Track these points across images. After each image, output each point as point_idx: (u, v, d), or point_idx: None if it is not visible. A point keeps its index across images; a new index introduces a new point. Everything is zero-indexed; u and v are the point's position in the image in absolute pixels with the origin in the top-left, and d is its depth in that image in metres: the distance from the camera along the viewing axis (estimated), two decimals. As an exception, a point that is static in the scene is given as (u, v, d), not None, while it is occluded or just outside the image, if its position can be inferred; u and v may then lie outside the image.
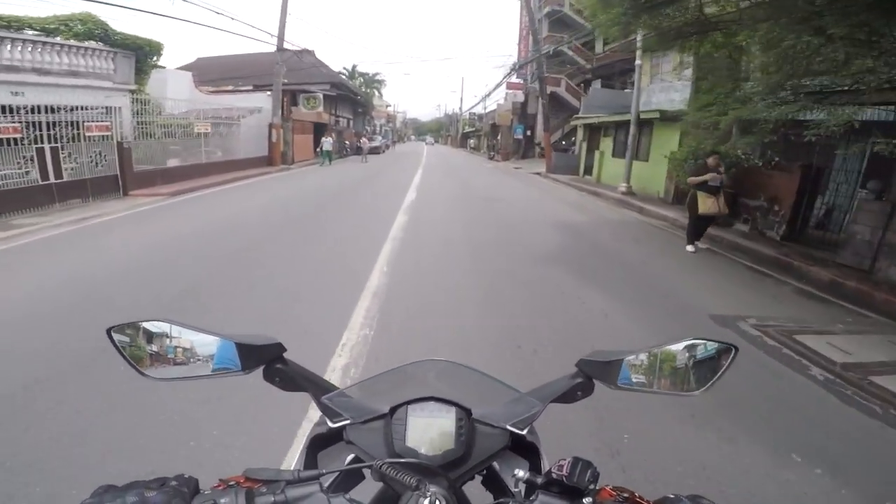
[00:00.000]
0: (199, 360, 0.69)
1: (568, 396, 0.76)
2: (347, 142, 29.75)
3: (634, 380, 0.73)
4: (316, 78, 26.65)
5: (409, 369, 0.90)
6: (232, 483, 0.57)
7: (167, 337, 0.69)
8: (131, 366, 0.68)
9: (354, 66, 44.42)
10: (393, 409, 0.67)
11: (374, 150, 33.76)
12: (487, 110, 45.92)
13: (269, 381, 0.73)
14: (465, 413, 0.67)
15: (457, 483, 0.61)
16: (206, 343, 0.69)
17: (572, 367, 0.78)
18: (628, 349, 0.73)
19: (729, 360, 0.72)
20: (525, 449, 0.76)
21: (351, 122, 35.53)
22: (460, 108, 65.98)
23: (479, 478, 0.73)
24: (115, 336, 0.68)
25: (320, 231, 7.38)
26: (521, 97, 31.79)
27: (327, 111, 28.06)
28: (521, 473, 0.62)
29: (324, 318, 3.88)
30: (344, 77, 37.37)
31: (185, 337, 0.69)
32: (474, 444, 0.66)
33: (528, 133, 31.82)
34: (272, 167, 18.75)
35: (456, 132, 69.65)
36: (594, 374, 0.75)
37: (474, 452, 0.65)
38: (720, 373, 0.73)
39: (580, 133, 18.91)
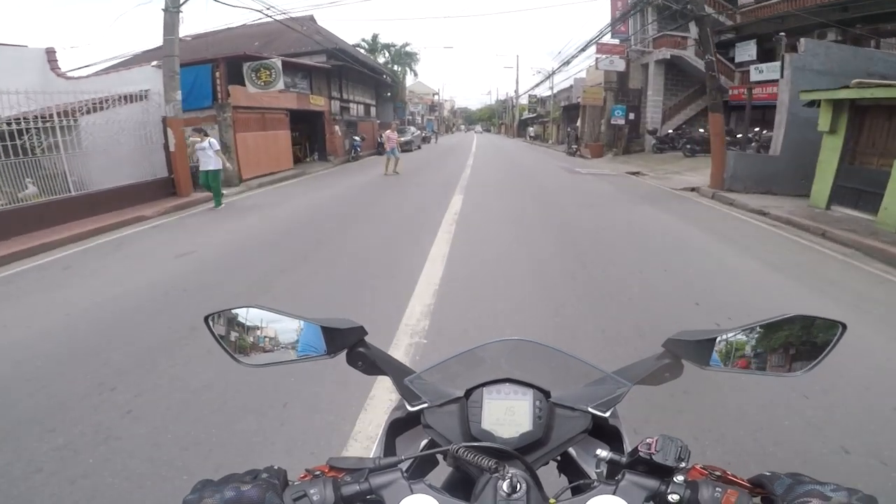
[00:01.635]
0: (287, 345, 0.73)
1: (654, 378, 0.74)
2: (358, 137, 19.88)
3: (728, 360, 0.69)
4: (307, 47, 17.17)
5: (486, 350, 0.83)
6: (317, 473, 0.58)
7: (258, 323, 0.72)
8: (226, 352, 0.72)
9: (375, 36, 33.34)
10: (468, 392, 0.67)
11: (405, 147, 23.96)
12: (557, 89, 34.81)
13: (352, 365, 0.75)
14: (542, 395, 0.67)
15: (534, 466, 0.59)
16: (293, 328, 0.72)
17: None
18: (721, 328, 0.69)
19: (836, 338, 0.66)
20: (605, 433, 0.72)
21: (372, 110, 25.68)
22: (516, 91, 54.80)
23: (553, 464, 0.72)
24: (212, 323, 0.72)
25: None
26: (619, 64, 20.75)
27: (323, 94, 18.36)
28: (603, 453, 0.60)
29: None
30: (362, 51, 27.47)
31: (274, 323, 0.72)
32: (553, 427, 0.65)
33: (632, 117, 20.74)
34: (173, 199, 9.44)
35: (511, 119, 58.56)
36: (683, 354, 0.72)
37: (553, 436, 0.65)
38: (826, 351, 0.67)
39: (826, 115, 8.08)
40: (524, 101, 53.77)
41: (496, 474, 0.53)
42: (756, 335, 0.68)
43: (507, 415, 0.65)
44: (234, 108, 12.82)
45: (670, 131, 20.07)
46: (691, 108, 20.88)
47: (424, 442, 0.73)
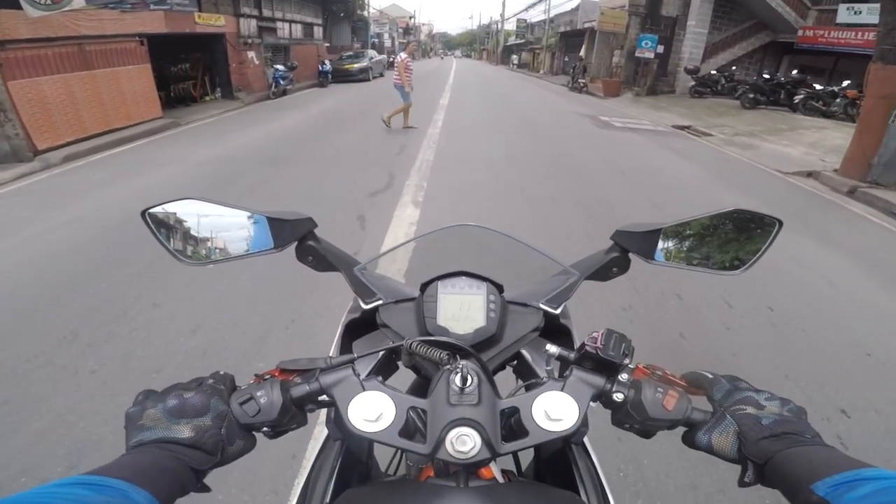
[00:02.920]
0: (232, 239, 0.68)
1: (603, 272, 0.72)
2: (281, 66, 14.06)
3: (672, 254, 0.69)
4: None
5: (440, 236, 0.78)
6: (267, 377, 0.55)
7: (199, 218, 0.67)
8: (168, 251, 0.67)
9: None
10: (424, 286, 0.66)
11: (356, 75, 18.10)
12: (555, 12, 28.27)
13: (302, 261, 0.71)
14: (496, 289, 0.65)
15: (489, 365, 0.59)
16: (237, 221, 0.68)
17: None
18: (663, 222, 0.68)
19: (772, 235, 0.68)
20: (557, 331, 0.70)
21: (317, 31, 19.31)
22: (502, 15, 47.30)
23: (509, 369, 0.71)
24: (150, 219, 0.66)
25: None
26: None
27: (224, 9, 12.38)
28: (553, 349, 0.58)
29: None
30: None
31: (217, 216, 0.67)
32: (507, 324, 0.65)
33: (660, 50, 15.31)
34: None
35: (495, 45, 51.10)
36: (631, 246, 0.70)
37: (507, 333, 0.64)
38: (763, 248, 0.68)
39: None
40: (511, 26, 47.01)
41: (448, 366, 0.52)
42: (699, 229, 0.68)
43: (462, 309, 0.63)
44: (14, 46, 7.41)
45: (713, 72, 14.83)
46: (740, 47, 15.99)
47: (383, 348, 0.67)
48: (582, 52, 20.79)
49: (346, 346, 0.73)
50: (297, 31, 17.39)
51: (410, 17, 55.90)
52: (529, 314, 0.67)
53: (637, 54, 15.58)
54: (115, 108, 9.93)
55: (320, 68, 16.79)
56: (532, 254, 0.75)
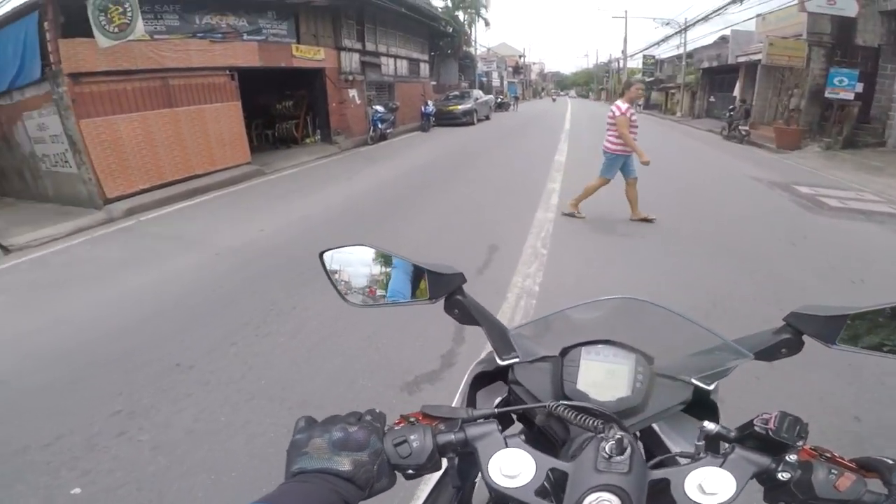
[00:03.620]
0: (393, 287, 0.73)
1: (770, 353, 0.67)
2: (380, 107, 12.57)
3: (859, 339, 0.62)
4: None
5: (588, 308, 0.77)
6: (412, 419, 0.58)
7: (368, 263, 0.73)
8: (335, 289, 0.75)
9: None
10: (565, 350, 0.67)
11: (460, 118, 16.26)
12: (693, 46, 24.92)
13: (449, 313, 0.74)
14: (645, 360, 0.65)
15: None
16: (400, 270, 0.72)
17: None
18: (851, 305, 0.63)
19: None
20: (699, 406, 0.67)
21: (423, 67, 18.14)
22: (624, 52, 44.11)
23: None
24: (326, 259, 0.74)
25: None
26: (847, 6, 11.47)
27: (325, 42, 11.24)
28: (710, 426, 0.55)
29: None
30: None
31: (383, 264, 0.73)
32: (651, 395, 0.64)
33: (859, 89, 11.47)
34: None
35: (616, 84, 47.96)
36: (807, 329, 0.65)
37: (650, 403, 0.63)
38: None
39: None
40: (634, 63, 43.39)
41: (601, 434, 0.52)
42: (889, 316, 0.61)
43: (606, 377, 0.64)
44: (71, 76, 6.96)
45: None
46: None
47: (499, 399, 0.74)
48: (736, 92, 17.23)
49: (471, 396, 0.76)
50: (403, 67, 16.29)
51: (520, 56, 54.99)
52: (678, 388, 0.65)
53: (827, 94, 11.91)
54: (197, 151, 8.92)
55: (423, 110, 15.37)
56: (690, 327, 0.70)
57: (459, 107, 16.99)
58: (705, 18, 22.34)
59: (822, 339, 0.64)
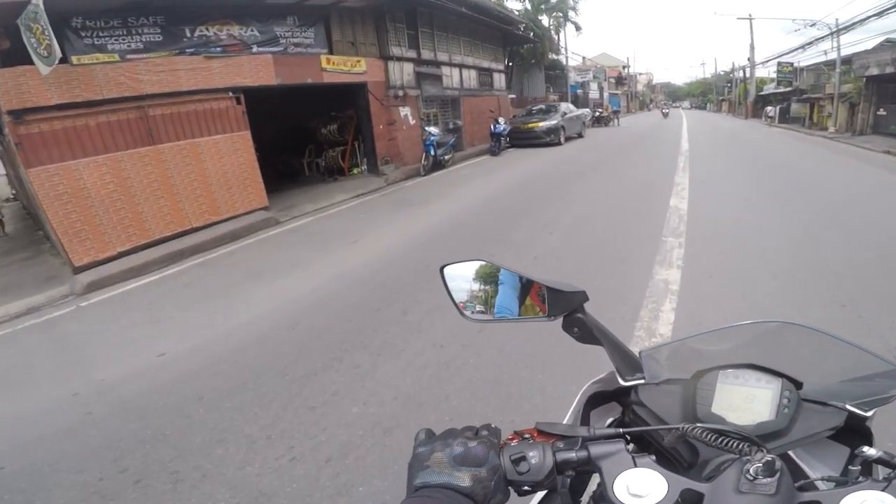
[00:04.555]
0: (511, 303, 0.74)
1: None
2: (435, 129, 10.03)
3: None
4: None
5: (726, 333, 0.79)
6: (526, 436, 0.59)
7: (487, 278, 0.75)
8: (454, 304, 0.76)
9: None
10: (700, 374, 0.66)
11: (542, 138, 13.54)
12: (847, 52, 19.80)
13: (567, 331, 0.74)
14: (793, 385, 0.63)
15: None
16: (518, 286, 0.73)
17: None
18: None
19: None
20: (849, 433, 0.65)
21: (498, 79, 15.56)
22: (750, 59, 38.19)
23: None
24: (446, 273, 0.76)
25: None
26: None
27: (365, 49, 9.07)
28: (871, 451, 0.53)
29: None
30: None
31: (502, 279, 0.74)
32: (797, 420, 0.62)
33: None
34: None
35: (741, 94, 41.66)
36: None
37: (795, 428, 0.61)
38: None
39: None
40: (763, 72, 37.99)
41: (746, 457, 0.50)
42: None
43: (745, 402, 0.63)
44: (12, 113, 5.65)
45: None
46: None
47: (611, 419, 0.74)
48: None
49: (584, 415, 0.75)
50: (471, 78, 13.81)
51: (624, 67, 50.32)
52: (829, 414, 0.63)
53: None
54: (193, 198, 7.09)
55: (492, 129, 12.59)
56: (849, 351, 0.68)
57: (542, 124, 14.03)
58: (862, 21, 17.50)
59: None
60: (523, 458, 0.53)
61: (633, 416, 0.70)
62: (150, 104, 6.50)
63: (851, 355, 0.68)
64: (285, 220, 7.41)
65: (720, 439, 0.53)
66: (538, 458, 0.53)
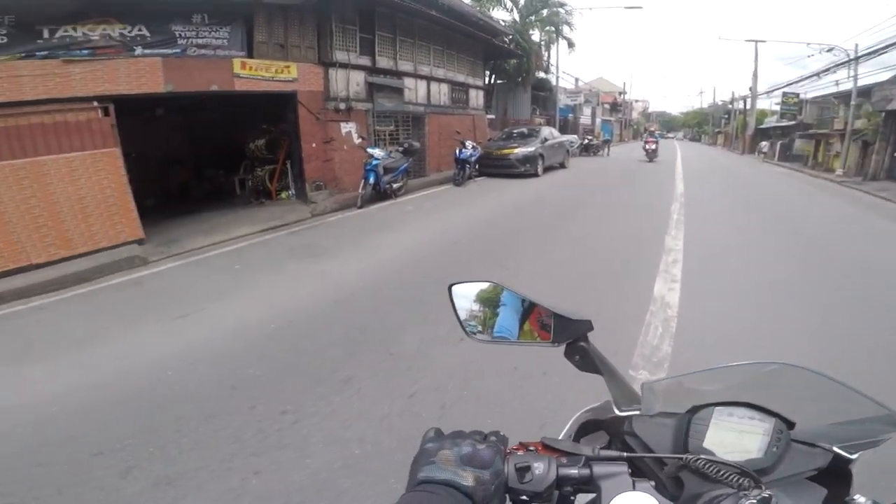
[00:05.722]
0: (516, 327, 0.77)
1: None
2: (378, 151, 8.53)
3: None
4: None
5: (726, 372, 0.78)
6: (531, 448, 0.61)
7: (495, 300, 0.78)
8: (459, 324, 0.79)
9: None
10: (696, 409, 0.68)
11: (516, 167, 12.27)
12: (866, 82, 18.84)
13: (569, 358, 0.76)
14: (784, 425, 0.66)
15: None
16: (526, 310, 0.77)
17: None
18: None
19: None
20: (829, 475, 0.67)
21: (475, 96, 14.29)
22: (752, 89, 37.62)
23: None
24: (454, 293, 0.79)
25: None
26: None
27: (299, 53, 7.68)
28: (861, 500, 0.58)
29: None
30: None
31: (511, 302, 0.77)
32: (783, 460, 0.65)
33: None
34: None
35: (739, 127, 41.03)
36: None
37: (780, 468, 0.64)
38: None
39: None
40: (764, 103, 37.41)
41: (744, 492, 0.54)
42: None
43: (737, 438, 0.65)
44: None
45: None
46: None
47: (599, 447, 0.69)
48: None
49: (574, 441, 0.77)
50: (441, 93, 12.47)
51: (620, 93, 49.45)
52: (814, 455, 0.66)
53: None
54: (34, 229, 5.59)
55: (457, 154, 11.14)
56: (846, 394, 0.68)
57: (517, 150, 12.65)
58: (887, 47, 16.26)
59: None
60: (528, 468, 0.56)
61: (622, 445, 0.72)
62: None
63: (846, 398, 0.70)
64: (156, 260, 5.93)
65: (721, 472, 0.57)
66: (542, 469, 0.56)
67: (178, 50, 6.53)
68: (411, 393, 2.63)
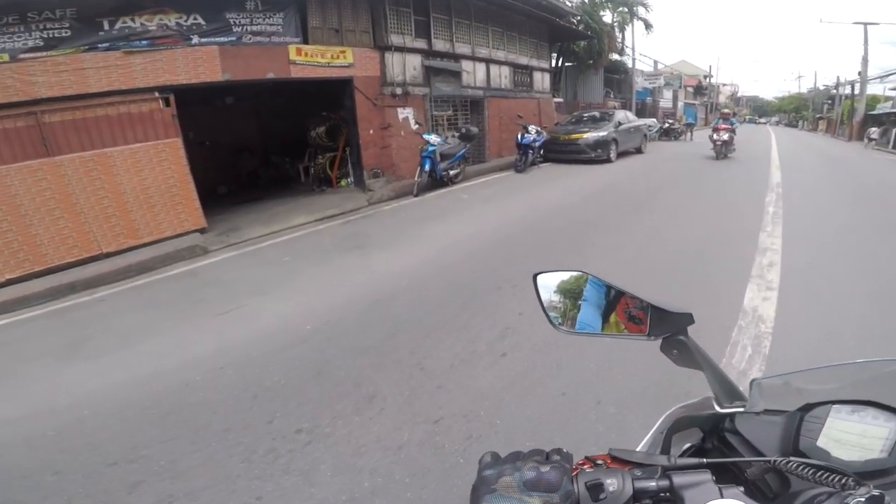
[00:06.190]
0: (607, 318, 0.74)
1: None
2: (434, 137, 8.22)
3: None
4: None
5: (843, 370, 0.77)
6: (598, 461, 0.58)
7: (584, 291, 0.75)
8: (545, 314, 0.77)
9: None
10: (809, 406, 0.66)
11: (586, 152, 11.50)
12: None
13: (666, 353, 0.74)
14: None
15: None
16: (618, 301, 0.73)
17: None
18: None
19: None
20: None
21: (540, 78, 13.56)
22: (861, 73, 32.97)
23: None
24: (539, 282, 0.77)
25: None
26: None
27: (355, 38, 7.61)
28: None
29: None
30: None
31: (600, 293, 0.74)
32: None
33: None
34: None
35: (845, 112, 36.41)
36: None
37: None
38: None
39: None
40: (876, 88, 33.51)
41: (849, 491, 0.50)
42: None
43: (857, 437, 0.62)
44: None
45: None
46: None
47: (688, 444, 0.73)
48: None
49: (666, 440, 0.75)
50: (502, 76, 11.91)
51: (705, 76, 45.77)
52: None
53: None
54: (104, 219, 6.00)
55: (518, 139, 10.58)
56: None
57: (587, 135, 11.80)
58: None
59: None
60: (600, 486, 0.52)
61: (720, 443, 0.70)
62: (44, 109, 5.41)
63: None
64: (215, 249, 6.08)
65: (818, 473, 0.53)
66: (616, 485, 0.52)
67: (233, 38, 6.59)
68: (437, 418, 2.33)
